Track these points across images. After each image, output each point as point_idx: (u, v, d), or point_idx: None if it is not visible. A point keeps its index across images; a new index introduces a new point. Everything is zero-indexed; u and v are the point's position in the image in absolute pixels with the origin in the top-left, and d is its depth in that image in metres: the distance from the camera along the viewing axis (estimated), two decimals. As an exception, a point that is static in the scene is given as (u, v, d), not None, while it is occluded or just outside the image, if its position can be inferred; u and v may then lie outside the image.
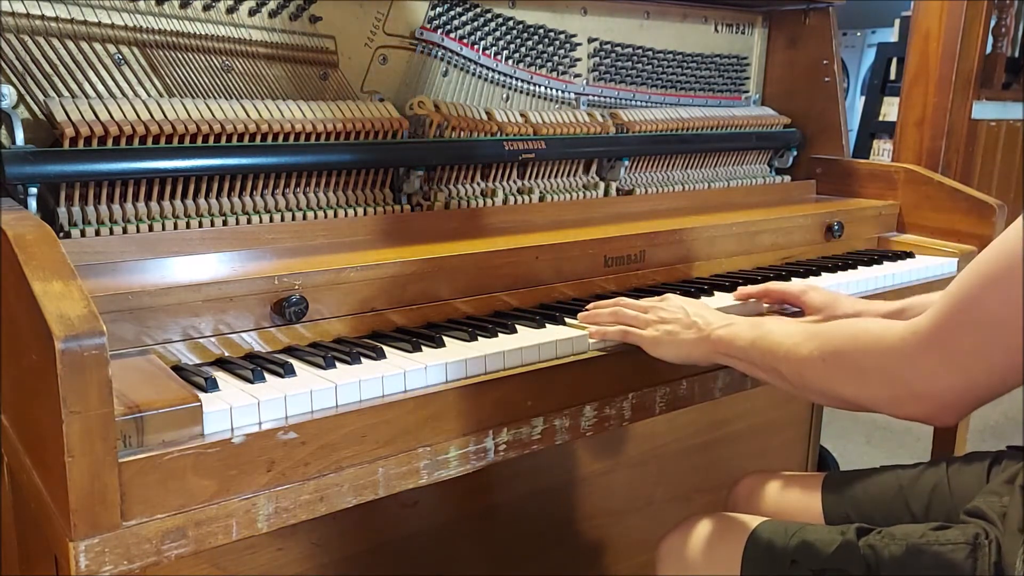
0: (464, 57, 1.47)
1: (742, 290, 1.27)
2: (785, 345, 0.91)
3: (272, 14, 1.25)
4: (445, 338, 1.01)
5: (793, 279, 1.39)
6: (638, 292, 1.29)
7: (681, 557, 1.05)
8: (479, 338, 1.02)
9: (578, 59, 1.63)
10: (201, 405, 0.77)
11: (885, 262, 1.57)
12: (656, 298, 1.10)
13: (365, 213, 1.28)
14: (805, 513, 1.14)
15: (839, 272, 1.48)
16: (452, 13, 1.44)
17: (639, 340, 1.05)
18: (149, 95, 1.15)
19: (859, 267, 1.52)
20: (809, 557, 0.93)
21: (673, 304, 1.06)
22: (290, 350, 0.99)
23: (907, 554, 0.88)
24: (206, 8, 1.19)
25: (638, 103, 1.73)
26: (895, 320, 0.82)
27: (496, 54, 1.51)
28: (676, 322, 1.04)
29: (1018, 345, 0.71)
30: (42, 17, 1.07)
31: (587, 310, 1.12)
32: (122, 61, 1.13)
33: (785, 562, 0.95)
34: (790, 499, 1.18)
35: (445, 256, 1.13)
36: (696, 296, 1.27)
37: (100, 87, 1.11)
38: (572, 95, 1.63)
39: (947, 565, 0.87)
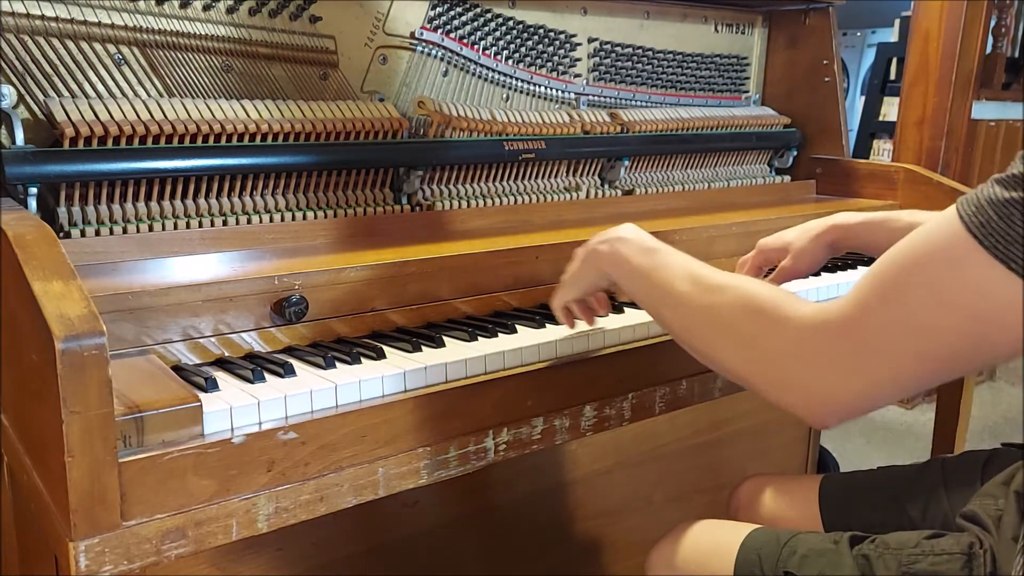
0: (464, 57, 1.47)
1: None
2: (678, 290, 0.82)
3: (272, 14, 1.25)
4: (445, 338, 1.01)
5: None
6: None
7: (671, 566, 1.04)
8: (479, 338, 1.02)
9: (578, 59, 1.63)
10: (201, 405, 0.77)
11: (885, 262, 1.57)
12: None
13: (365, 213, 1.28)
14: (804, 517, 1.14)
15: (839, 272, 1.48)
16: (452, 13, 1.44)
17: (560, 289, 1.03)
18: (149, 95, 1.15)
19: (859, 267, 1.52)
20: (801, 566, 0.92)
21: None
22: (290, 350, 0.99)
23: (901, 565, 0.88)
24: (206, 8, 1.19)
25: (638, 103, 1.73)
26: (806, 301, 0.74)
27: (496, 54, 1.51)
28: (584, 249, 1.00)
29: (929, 350, 0.65)
30: (42, 17, 1.07)
31: None
32: (122, 61, 1.13)
33: (778, 572, 0.94)
34: (789, 503, 1.17)
35: (445, 256, 1.13)
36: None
37: (100, 87, 1.11)
38: (572, 95, 1.63)
39: None
